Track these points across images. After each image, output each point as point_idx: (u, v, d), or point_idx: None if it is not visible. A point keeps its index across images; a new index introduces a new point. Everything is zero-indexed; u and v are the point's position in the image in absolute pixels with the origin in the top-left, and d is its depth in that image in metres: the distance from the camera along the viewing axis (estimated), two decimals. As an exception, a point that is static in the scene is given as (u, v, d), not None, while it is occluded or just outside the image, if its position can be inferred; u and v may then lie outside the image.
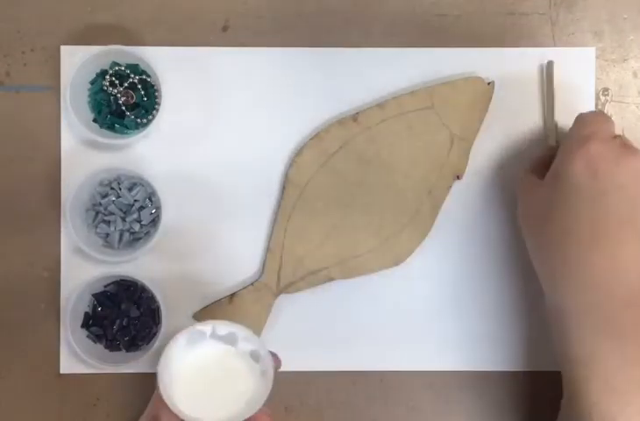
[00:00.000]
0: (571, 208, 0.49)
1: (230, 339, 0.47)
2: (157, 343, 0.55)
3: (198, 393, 0.46)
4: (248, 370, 0.47)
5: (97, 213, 0.57)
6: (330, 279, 0.57)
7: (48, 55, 0.58)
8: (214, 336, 0.47)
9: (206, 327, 0.47)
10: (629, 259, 0.48)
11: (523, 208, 0.54)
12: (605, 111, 0.59)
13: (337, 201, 0.58)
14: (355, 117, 0.58)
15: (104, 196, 0.57)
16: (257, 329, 0.57)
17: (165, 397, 0.45)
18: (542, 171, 0.53)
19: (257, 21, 0.59)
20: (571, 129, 0.52)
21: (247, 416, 0.45)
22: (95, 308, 0.57)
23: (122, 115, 0.57)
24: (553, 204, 0.50)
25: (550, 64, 0.58)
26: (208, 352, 0.47)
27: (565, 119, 0.57)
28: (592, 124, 0.51)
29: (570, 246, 0.49)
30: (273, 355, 0.49)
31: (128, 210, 0.56)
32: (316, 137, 0.58)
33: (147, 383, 0.57)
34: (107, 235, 0.57)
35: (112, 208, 0.56)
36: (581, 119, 0.52)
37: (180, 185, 0.58)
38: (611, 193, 0.48)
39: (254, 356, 0.47)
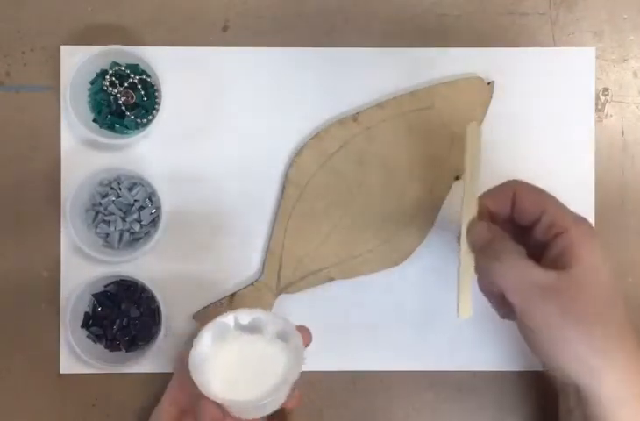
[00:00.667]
0: (606, 300, 0.47)
1: (255, 327, 0.47)
2: (157, 343, 0.55)
3: (236, 385, 0.46)
4: (280, 352, 0.46)
5: (97, 213, 0.57)
6: (330, 279, 0.57)
7: (48, 55, 0.58)
8: (238, 326, 0.47)
9: (228, 318, 0.47)
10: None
11: (537, 321, 0.47)
12: (605, 111, 0.59)
13: (337, 201, 0.58)
14: (355, 117, 0.58)
15: (104, 196, 0.57)
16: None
17: (205, 392, 0.44)
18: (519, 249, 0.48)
19: (257, 21, 0.59)
20: (552, 213, 0.48)
21: (283, 389, 0.45)
22: (95, 308, 0.57)
23: (122, 115, 0.57)
24: (579, 305, 0.46)
25: (474, 127, 0.51)
26: (236, 344, 0.47)
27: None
28: (554, 200, 0.49)
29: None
30: (304, 330, 0.48)
31: (128, 210, 0.56)
32: (316, 137, 0.58)
33: (147, 383, 0.57)
34: (107, 235, 0.57)
35: (112, 208, 0.56)
36: (548, 197, 0.49)
37: (180, 185, 0.58)
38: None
39: (283, 337, 0.47)
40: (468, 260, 0.49)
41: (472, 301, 0.49)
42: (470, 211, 0.50)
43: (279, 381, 0.45)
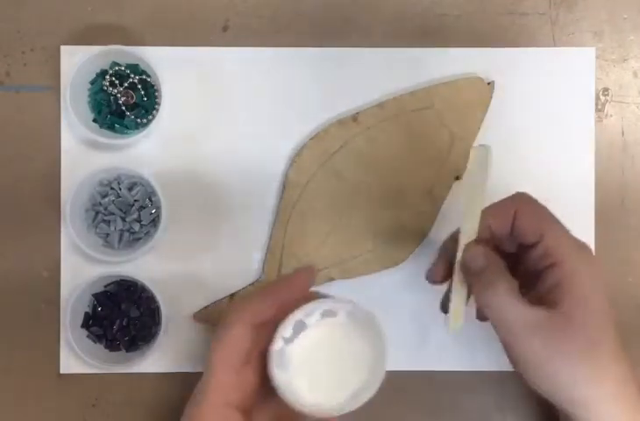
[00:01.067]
0: (600, 324, 0.46)
1: (299, 326, 0.45)
2: (157, 343, 0.55)
3: (323, 381, 0.45)
4: (332, 325, 0.45)
5: (97, 213, 0.57)
6: (330, 279, 0.57)
7: (48, 55, 0.58)
8: (287, 341, 0.44)
9: (279, 344, 0.44)
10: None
11: (520, 354, 0.46)
12: (605, 111, 0.59)
13: (337, 201, 0.58)
14: (355, 117, 0.58)
15: (104, 195, 0.57)
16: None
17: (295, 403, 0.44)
18: (512, 283, 0.47)
19: (257, 21, 0.59)
20: (562, 241, 0.47)
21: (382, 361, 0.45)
22: (95, 308, 0.57)
23: (122, 115, 0.57)
24: (584, 331, 0.45)
25: (484, 149, 0.47)
26: (295, 351, 0.45)
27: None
28: (554, 224, 0.48)
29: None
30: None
31: (128, 210, 0.56)
32: (316, 137, 0.58)
33: (147, 383, 0.57)
34: (107, 235, 0.57)
35: (112, 208, 0.56)
36: (548, 221, 0.48)
37: (180, 185, 0.58)
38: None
39: (329, 314, 0.45)
40: (463, 276, 0.48)
41: (464, 314, 0.48)
42: (469, 230, 0.48)
43: (365, 355, 0.45)
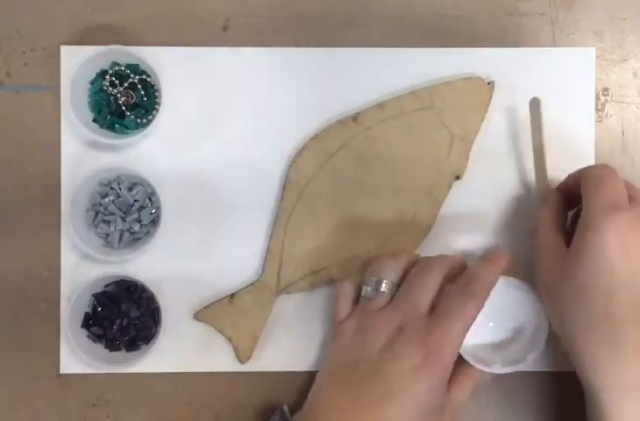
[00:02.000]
0: (602, 285, 0.48)
1: None
2: (157, 343, 0.55)
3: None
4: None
5: (97, 213, 0.57)
6: (330, 279, 0.57)
7: (48, 55, 0.58)
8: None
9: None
10: None
11: (544, 273, 0.53)
12: (605, 111, 0.59)
13: (337, 201, 0.58)
14: (355, 117, 0.58)
15: (104, 196, 0.57)
16: (257, 329, 0.57)
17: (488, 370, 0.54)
18: (559, 221, 0.54)
19: (257, 21, 0.59)
20: (587, 195, 0.50)
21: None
22: (95, 308, 0.57)
23: (122, 115, 0.57)
24: (579, 277, 0.49)
25: (535, 102, 0.56)
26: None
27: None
28: (607, 187, 0.49)
29: (603, 329, 0.49)
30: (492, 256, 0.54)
31: (128, 210, 0.56)
32: (316, 137, 0.58)
33: (147, 383, 0.57)
34: (107, 235, 0.57)
35: (112, 208, 0.56)
36: (594, 181, 0.50)
37: (180, 185, 0.58)
38: None
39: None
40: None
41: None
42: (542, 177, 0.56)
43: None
